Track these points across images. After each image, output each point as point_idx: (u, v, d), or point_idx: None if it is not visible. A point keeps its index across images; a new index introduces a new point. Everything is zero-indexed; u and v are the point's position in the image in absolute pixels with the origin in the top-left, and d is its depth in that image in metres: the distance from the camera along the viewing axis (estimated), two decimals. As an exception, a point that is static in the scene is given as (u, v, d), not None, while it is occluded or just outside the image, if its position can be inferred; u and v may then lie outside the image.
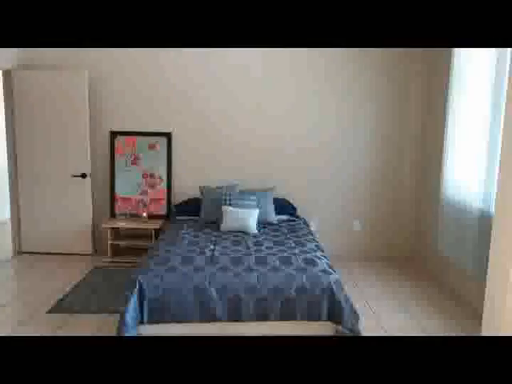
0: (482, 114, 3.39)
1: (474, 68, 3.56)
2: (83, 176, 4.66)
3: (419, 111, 4.81)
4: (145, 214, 4.72)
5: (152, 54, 4.66)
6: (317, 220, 4.97)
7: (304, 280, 2.97)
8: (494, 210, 2.69)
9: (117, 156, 4.81)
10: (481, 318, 2.75)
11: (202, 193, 4.55)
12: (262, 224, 4.28)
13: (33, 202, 4.73)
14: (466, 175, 3.68)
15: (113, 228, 4.62)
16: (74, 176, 4.66)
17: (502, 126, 2.86)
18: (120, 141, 4.80)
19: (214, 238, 3.78)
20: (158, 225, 4.59)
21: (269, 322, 2.96)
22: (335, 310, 2.94)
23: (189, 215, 4.54)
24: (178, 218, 4.55)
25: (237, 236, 3.89)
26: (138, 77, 4.72)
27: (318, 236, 4.23)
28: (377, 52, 4.68)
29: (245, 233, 4.00)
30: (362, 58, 4.69)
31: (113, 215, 4.84)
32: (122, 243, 4.80)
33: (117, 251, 4.72)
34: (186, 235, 3.83)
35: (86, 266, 4.46)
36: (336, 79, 4.75)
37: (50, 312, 3.39)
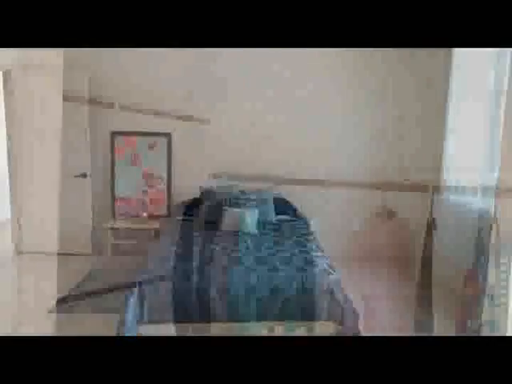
0: (482, 114, 3.39)
1: (474, 68, 3.56)
2: (83, 176, 4.66)
3: (419, 111, 4.81)
4: (145, 214, 4.72)
5: (152, 54, 4.66)
6: (317, 220, 4.96)
7: (304, 280, 2.97)
8: (493, 210, 2.69)
9: (117, 156, 4.81)
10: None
11: (202, 193, 4.54)
12: (262, 224, 4.28)
13: (33, 202, 4.73)
14: (466, 175, 3.68)
15: (113, 228, 4.62)
16: (74, 176, 4.66)
17: (502, 126, 2.87)
18: (120, 141, 4.80)
19: (214, 238, 3.78)
20: (158, 225, 4.58)
21: (269, 322, 2.96)
22: (335, 310, 2.93)
23: (189, 215, 4.53)
24: (177, 218, 4.54)
25: (237, 236, 3.89)
26: (138, 77, 4.72)
27: (317, 236, 4.22)
28: (377, 52, 4.67)
29: (245, 233, 4.00)
30: (362, 58, 4.68)
31: (113, 215, 4.85)
32: (122, 243, 4.80)
33: (117, 251, 4.71)
34: (186, 235, 3.83)
35: (86, 266, 4.45)
36: (336, 79, 4.74)
37: (50, 312, 3.39)
